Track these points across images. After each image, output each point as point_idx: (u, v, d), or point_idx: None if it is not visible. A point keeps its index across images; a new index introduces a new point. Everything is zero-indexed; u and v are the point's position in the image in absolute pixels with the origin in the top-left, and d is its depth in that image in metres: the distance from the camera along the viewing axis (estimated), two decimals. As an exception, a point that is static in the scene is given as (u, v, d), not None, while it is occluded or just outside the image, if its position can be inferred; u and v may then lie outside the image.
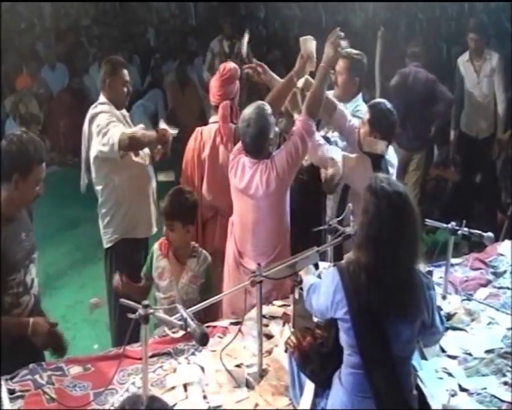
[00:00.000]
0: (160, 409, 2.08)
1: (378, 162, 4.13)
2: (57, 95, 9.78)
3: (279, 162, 3.93)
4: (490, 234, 3.87)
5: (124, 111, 4.82)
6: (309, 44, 4.22)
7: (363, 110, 4.56)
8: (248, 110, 3.98)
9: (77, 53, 10.63)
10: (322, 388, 2.94)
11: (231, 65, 4.69)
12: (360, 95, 4.83)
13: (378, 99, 4.52)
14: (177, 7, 14.33)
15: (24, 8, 12.05)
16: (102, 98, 4.68)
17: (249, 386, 3.22)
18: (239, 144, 4.10)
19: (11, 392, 3.06)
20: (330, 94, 4.50)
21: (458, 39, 11.66)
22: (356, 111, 4.67)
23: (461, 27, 12.91)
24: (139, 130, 4.62)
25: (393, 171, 4.33)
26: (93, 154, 4.60)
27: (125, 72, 4.73)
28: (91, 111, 4.64)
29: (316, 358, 2.94)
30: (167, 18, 13.64)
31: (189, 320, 2.70)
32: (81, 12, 12.77)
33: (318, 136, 4.28)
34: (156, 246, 4.05)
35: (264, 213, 4.01)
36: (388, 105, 4.24)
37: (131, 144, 4.45)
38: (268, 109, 3.98)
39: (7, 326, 3.20)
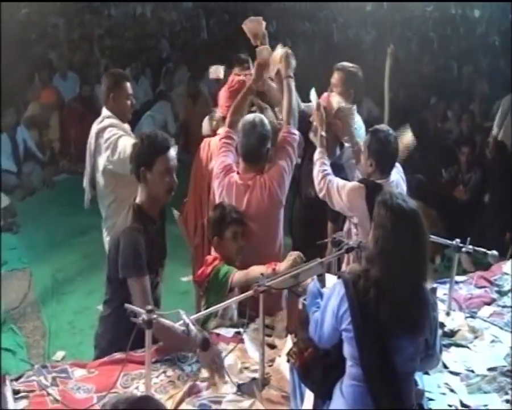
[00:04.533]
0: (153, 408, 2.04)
1: (373, 189, 4.01)
2: (68, 103, 9.86)
3: (276, 175, 4.01)
4: (495, 252, 3.87)
5: (126, 125, 4.74)
6: (265, 53, 4.36)
7: (359, 122, 4.76)
8: (252, 116, 4.10)
9: (89, 63, 10.74)
10: (323, 399, 2.94)
11: (239, 77, 4.74)
12: (354, 107, 4.89)
13: (381, 126, 4.36)
14: (189, 20, 14.46)
15: (39, 19, 12.23)
16: (105, 112, 4.61)
17: (251, 395, 3.22)
18: (221, 164, 4.14)
19: (15, 392, 3.08)
20: None
21: (469, 58, 11.72)
22: None
23: (471, 47, 13.01)
24: None
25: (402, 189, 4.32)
26: (100, 168, 4.55)
27: (128, 85, 4.67)
28: (97, 125, 4.59)
29: (317, 369, 2.94)
30: (179, 31, 13.76)
31: (191, 325, 2.73)
32: (94, 23, 12.93)
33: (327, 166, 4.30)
34: (225, 266, 3.85)
35: (261, 229, 4.04)
36: (390, 136, 4.16)
37: None
38: None
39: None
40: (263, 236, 4.07)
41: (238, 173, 4.10)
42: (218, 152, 4.23)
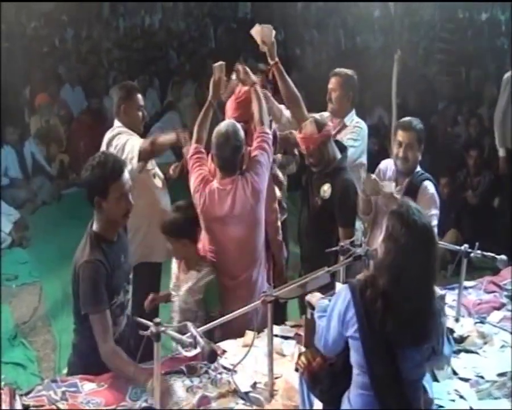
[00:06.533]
0: None
1: None
2: (77, 116, 9.92)
3: (255, 168, 4.10)
4: (504, 257, 3.86)
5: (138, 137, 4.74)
6: (220, 70, 4.43)
7: (361, 122, 4.93)
8: (224, 127, 4.10)
9: (97, 75, 10.80)
10: (331, 408, 2.93)
11: (246, 88, 4.75)
12: (354, 111, 5.02)
13: (408, 119, 4.43)
14: (197, 30, 14.51)
15: (47, 32, 12.33)
16: (117, 123, 4.67)
17: (260, 405, 3.23)
18: (198, 177, 4.15)
19: (25, 407, 3.10)
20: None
21: (478, 62, 11.68)
22: (357, 123, 4.94)
23: (480, 51, 12.96)
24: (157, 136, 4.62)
25: None
26: None
27: (139, 96, 4.73)
28: (108, 135, 4.64)
29: (325, 379, 2.94)
30: (186, 41, 13.80)
31: (198, 337, 2.74)
32: (102, 34, 12.99)
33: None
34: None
35: (248, 230, 4.10)
36: (414, 119, 4.37)
37: (153, 149, 4.46)
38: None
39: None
40: (249, 234, 4.12)
41: (215, 180, 4.16)
42: (191, 169, 4.23)
